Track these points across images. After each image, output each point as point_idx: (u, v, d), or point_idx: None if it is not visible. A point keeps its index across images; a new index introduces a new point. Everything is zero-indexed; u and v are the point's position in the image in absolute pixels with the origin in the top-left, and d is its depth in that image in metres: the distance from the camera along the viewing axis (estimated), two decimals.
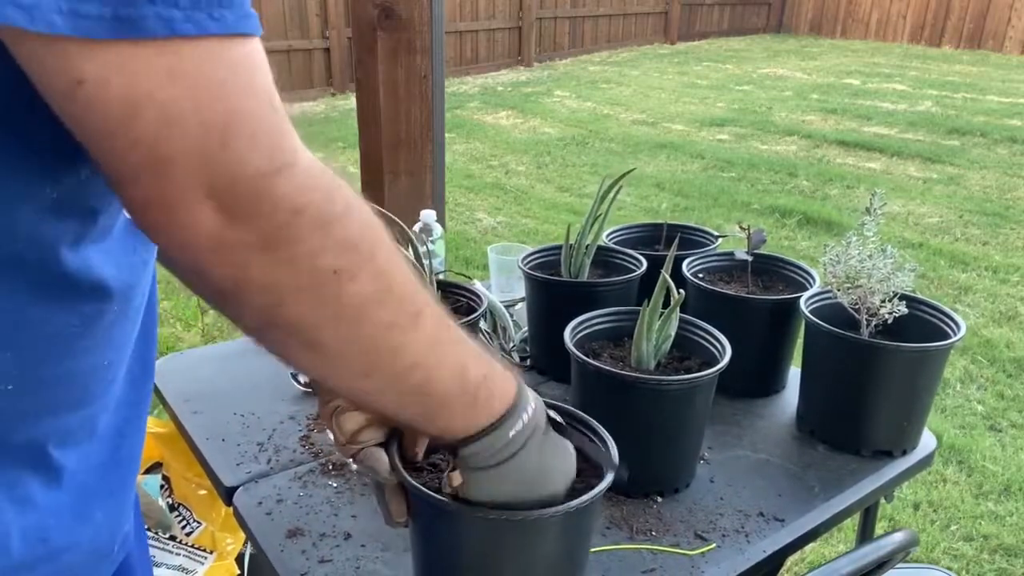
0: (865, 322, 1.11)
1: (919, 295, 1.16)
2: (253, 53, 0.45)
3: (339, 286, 0.48)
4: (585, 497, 0.66)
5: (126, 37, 0.40)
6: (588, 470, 0.75)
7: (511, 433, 0.61)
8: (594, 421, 0.78)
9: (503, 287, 1.62)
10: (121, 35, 0.40)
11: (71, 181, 0.50)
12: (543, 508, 0.65)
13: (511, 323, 1.43)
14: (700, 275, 1.30)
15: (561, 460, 0.67)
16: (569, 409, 0.82)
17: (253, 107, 0.44)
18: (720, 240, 1.48)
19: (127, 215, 0.47)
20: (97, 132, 0.43)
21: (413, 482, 0.67)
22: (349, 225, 0.49)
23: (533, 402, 0.64)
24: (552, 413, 0.70)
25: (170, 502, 1.57)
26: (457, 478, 0.63)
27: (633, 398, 0.98)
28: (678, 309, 1.02)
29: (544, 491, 0.66)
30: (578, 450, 0.77)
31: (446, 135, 2.10)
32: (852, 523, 1.87)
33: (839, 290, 1.12)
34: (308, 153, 0.47)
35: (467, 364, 0.58)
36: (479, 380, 0.59)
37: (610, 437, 0.76)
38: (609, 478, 0.69)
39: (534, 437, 0.63)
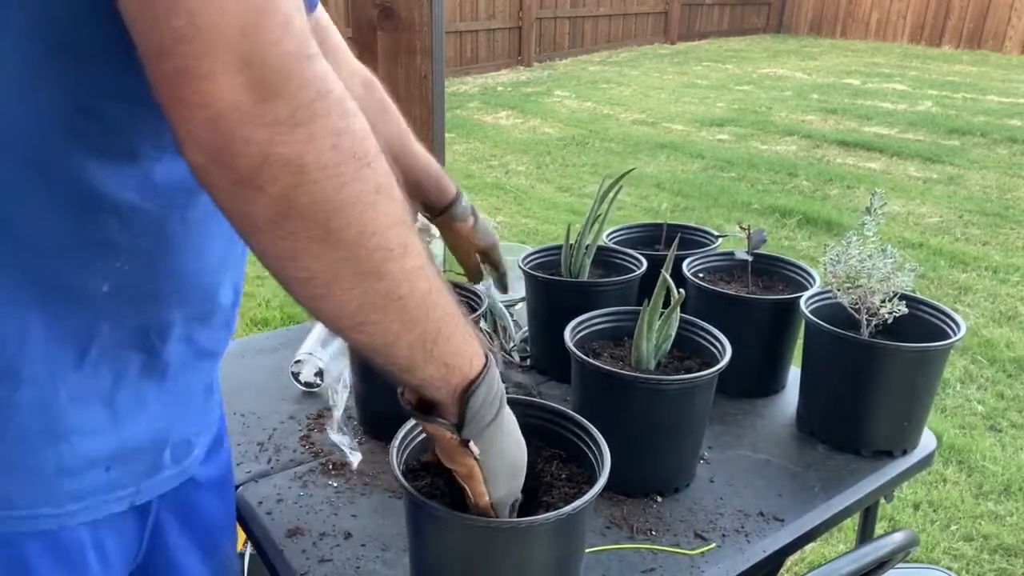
0: (865, 322, 1.11)
1: (919, 295, 1.16)
2: None
3: (358, 169, 0.50)
4: (576, 504, 0.66)
5: None
6: (579, 475, 0.76)
7: (498, 372, 0.63)
8: (587, 422, 0.78)
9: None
10: None
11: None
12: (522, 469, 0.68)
13: (511, 323, 1.43)
14: (700, 275, 1.30)
15: (514, 419, 0.69)
16: (561, 410, 0.82)
17: (289, 1, 0.47)
18: (720, 240, 1.48)
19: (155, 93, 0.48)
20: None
21: (410, 487, 0.68)
22: (360, 119, 0.51)
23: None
24: None
25: None
26: (475, 448, 0.62)
27: (633, 398, 0.98)
28: (678, 309, 1.02)
29: (522, 450, 0.69)
30: (570, 452, 0.77)
31: (446, 135, 2.10)
32: (852, 523, 1.87)
33: (839, 290, 1.12)
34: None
35: (452, 297, 0.60)
36: (463, 317, 0.61)
37: (603, 438, 0.76)
38: (600, 484, 0.69)
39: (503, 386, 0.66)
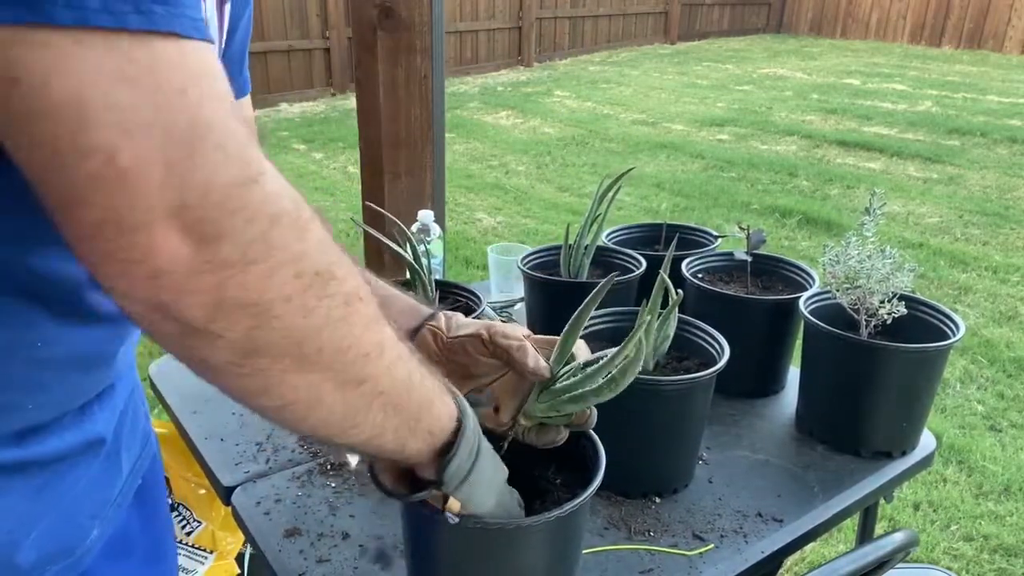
0: (864, 322, 1.11)
1: (919, 295, 1.16)
2: (208, 58, 0.41)
3: (323, 287, 0.45)
4: (570, 505, 0.66)
5: (68, 25, 0.36)
6: (575, 476, 0.75)
7: (471, 424, 0.61)
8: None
9: (503, 287, 1.62)
10: (62, 22, 0.36)
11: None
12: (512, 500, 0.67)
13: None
14: (699, 275, 1.30)
15: (489, 446, 0.67)
16: None
17: (219, 114, 0.40)
18: (720, 240, 1.48)
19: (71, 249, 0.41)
20: (36, 142, 0.37)
21: (405, 492, 0.67)
22: (316, 228, 0.46)
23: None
24: None
25: (170, 502, 1.58)
26: (456, 503, 0.62)
27: (632, 398, 0.98)
28: (677, 309, 1.02)
29: (500, 477, 0.67)
30: (567, 454, 0.77)
31: (446, 135, 2.10)
32: (852, 523, 1.87)
33: (839, 290, 1.12)
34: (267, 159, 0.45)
35: (426, 374, 0.57)
36: (437, 381, 0.58)
37: (599, 440, 0.76)
38: (594, 486, 0.69)
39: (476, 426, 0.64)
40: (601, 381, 0.66)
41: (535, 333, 0.83)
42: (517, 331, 0.74)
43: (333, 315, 0.46)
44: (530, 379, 0.71)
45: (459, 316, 0.80)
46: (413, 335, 0.78)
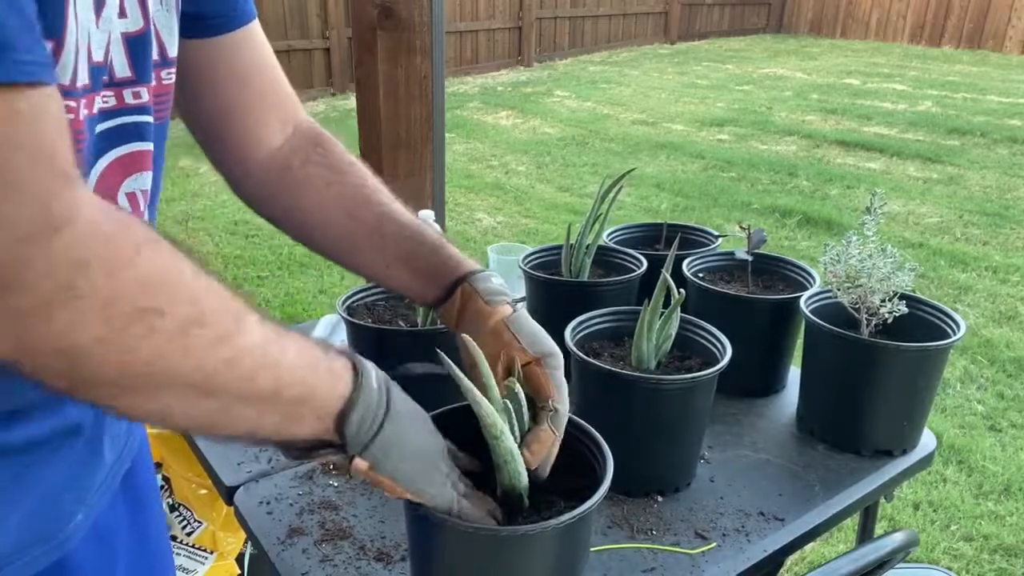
0: (865, 322, 1.11)
1: (919, 295, 1.16)
2: (26, 104, 0.40)
3: (146, 323, 0.45)
4: (578, 511, 0.66)
5: None
6: (582, 481, 0.75)
7: (373, 381, 0.60)
8: (588, 426, 0.78)
9: None
10: None
11: None
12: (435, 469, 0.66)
13: None
14: (700, 275, 1.30)
15: (418, 414, 0.66)
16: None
17: (17, 161, 0.39)
18: (720, 240, 1.48)
19: None
20: None
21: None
22: (143, 263, 0.45)
23: (370, 364, 0.63)
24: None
25: (170, 502, 1.58)
26: (362, 462, 0.61)
27: (633, 398, 0.98)
28: (678, 309, 1.02)
29: (428, 439, 0.65)
30: (573, 458, 0.76)
31: (446, 135, 2.10)
32: (852, 523, 1.87)
33: (839, 290, 1.12)
34: (96, 200, 0.44)
35: (303, 345, 0.57)
36: (321, 352, 0.58)
37: (606, 444, 0.75)
38: (602, 491, 0.68)
39: (389, 380, 0.63)
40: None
41: None
42: (565, 401, 0.74)
43: (164, 348, 0.46)
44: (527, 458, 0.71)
45: (523, 315, 0.79)
46: (451, 288, 0.80)
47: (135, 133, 0.64)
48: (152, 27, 0.62)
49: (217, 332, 0.49)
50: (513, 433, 0.69)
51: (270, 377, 0.53)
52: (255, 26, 0.79)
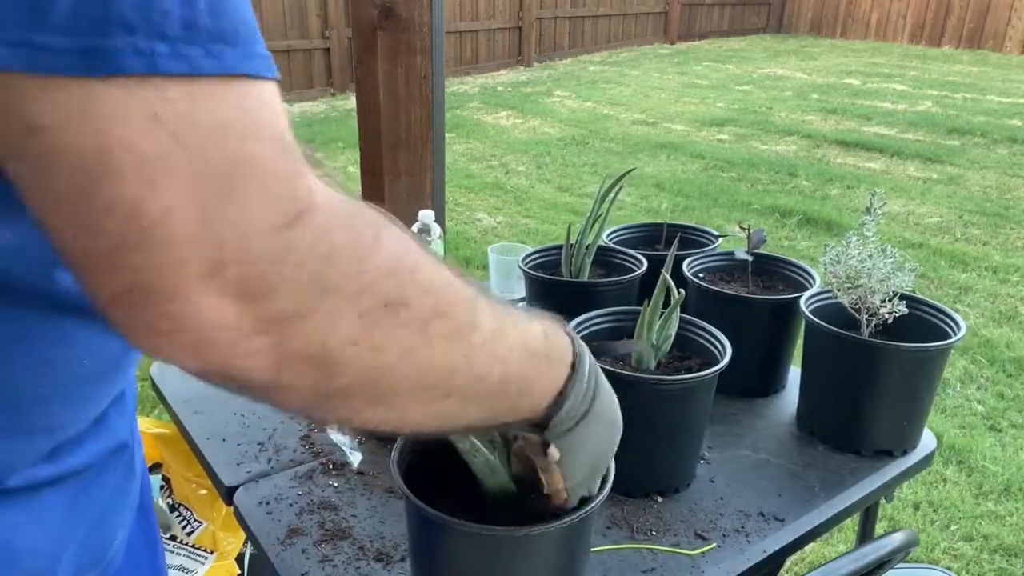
0: (865, 322, 1.11)
1: (919, 295, 1.16)
2: (263, 95, 0.37)
3: (395, 317, 0.41)
4: (580, 512, 0.66)
5: (95, 75, 0.32)
6: None
7: (586, 374, 0.57)
8: None
9: (503, 287, 1.62)
10: (89, 72, 0.31)
11: None
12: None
13: None
14: (700, 275, 1.30)
15: (612, 394, 0.64)
16: None
17: (260, 152, 0.36)
18: (720, 240, 1.48)
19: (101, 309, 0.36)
20: (55, 196, 0.33)
21: (413, 497, 0.67)
22: (383, 250, 0.41)
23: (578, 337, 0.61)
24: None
25: (170, 502, 1.57)
26: (555, 452, 0.59)
27: (633, 398, 0.98)
28: (678, 309, 1.02)
29: (616, 432, 0.64)
30: None
31: (446, 135, 2.10)
32: (852, 523, 1.87)
33: (839, 290, 1.12)
34: (323, 186, 0.40)
35: (527, 331, 0.53)
36: (543, 339, 0.54)
37: None
38: (605, 492, 0.68)
39: (598, 373, 0.60)
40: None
41: None
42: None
43: (409, 345, 0.42)
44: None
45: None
46: None
47: None
48: None
49: (457, 324, 0.45)
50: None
51: (499, 372, 0.49)
52: None
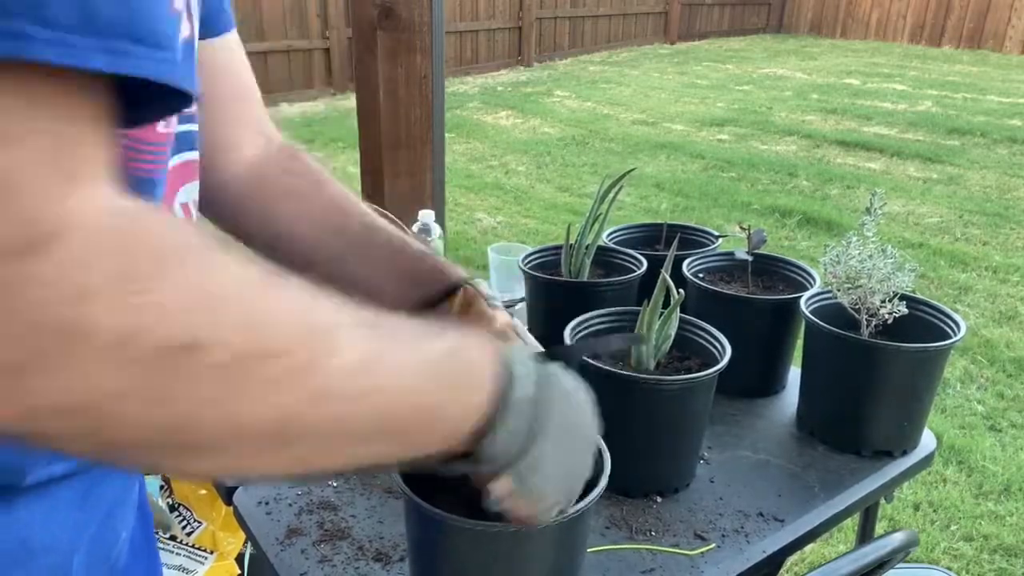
0: (865, 322, 1.11)
1: (919, 295, 1.16)
2: (54, 86, 0.31)
3: (185, 363, 0.33)
4: (576, 508, 0.66)
5: None
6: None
7: (525, 396, 0.50)
8: None
9: (503, 287, 1.62)
10: None
11: None
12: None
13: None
14: (700, 275, 1.30)
15: (581, 399, 0.57)
16: None
17: (5, 160, 0.30)
18: (720, 240, 1.48)
19: None
20: None
21: (409, 491, 0.67)
22: (168, 285, 0.33)
23: (519, 350, 0.53)
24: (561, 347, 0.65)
25: (170, 502, 1.57)
26: (504, 484, 0.52)
27: (633, 398, 0.98)
28: (678, 309, 1.02)
29: (588, 442, 0.58)
30: None
31: (446, 135, 2.10)
32: (852, 523, 1.87)
33: (839, 290, 1.12)
34: (111, 202, 0.33)
35: (427, 351, 0.46)
36: (449, 360, 0.47)
37: (604, 443, 0.75)
38: (600, 488, 0.68)
39: (549, 386, 0.53)
40: None
41: (535, 333, 0.83)
42: None
43: (211, 396, 0.35)
44: None
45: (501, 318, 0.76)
46: (445, 291, 0.76)
47: (187, 141, 0.63)
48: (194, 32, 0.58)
49: (293, 362, 0.37)
50: None
51: (373, 407, 0.42)
52: (233, 35, 0.79)
